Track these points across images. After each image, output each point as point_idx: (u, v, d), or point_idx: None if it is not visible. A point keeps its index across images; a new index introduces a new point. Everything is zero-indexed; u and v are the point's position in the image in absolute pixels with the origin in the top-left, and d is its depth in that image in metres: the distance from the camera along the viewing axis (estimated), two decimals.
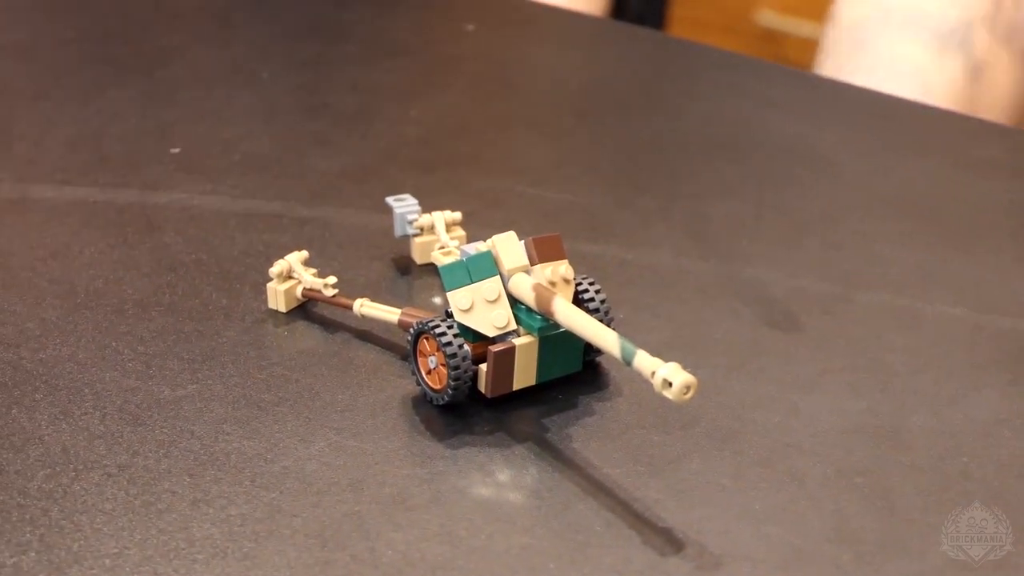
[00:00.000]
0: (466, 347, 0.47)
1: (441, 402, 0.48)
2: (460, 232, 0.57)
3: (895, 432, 0.48)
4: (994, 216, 0.63)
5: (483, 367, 0.48)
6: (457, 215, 0.57)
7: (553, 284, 0.48)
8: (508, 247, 0.49)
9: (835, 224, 0.62)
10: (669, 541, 0.43)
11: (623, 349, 0.44)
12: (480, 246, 0.49)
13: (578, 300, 0.50)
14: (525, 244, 0.49)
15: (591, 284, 0.50)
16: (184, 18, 0.83)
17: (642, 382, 0.50)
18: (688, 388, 0.42)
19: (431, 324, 0.48)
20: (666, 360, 0.43)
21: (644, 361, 0.44)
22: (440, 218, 0.57)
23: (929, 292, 0.56)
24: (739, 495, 0.45)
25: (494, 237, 0.49)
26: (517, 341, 0.48)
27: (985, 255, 0.59)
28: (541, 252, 0.49)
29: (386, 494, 0.45)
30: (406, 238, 0.57)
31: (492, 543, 0.43)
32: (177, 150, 0.66)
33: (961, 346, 0.53)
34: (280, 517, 0.44)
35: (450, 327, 0.48)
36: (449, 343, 0.47)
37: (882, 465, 0.47)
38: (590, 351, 0.50)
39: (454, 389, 0.47)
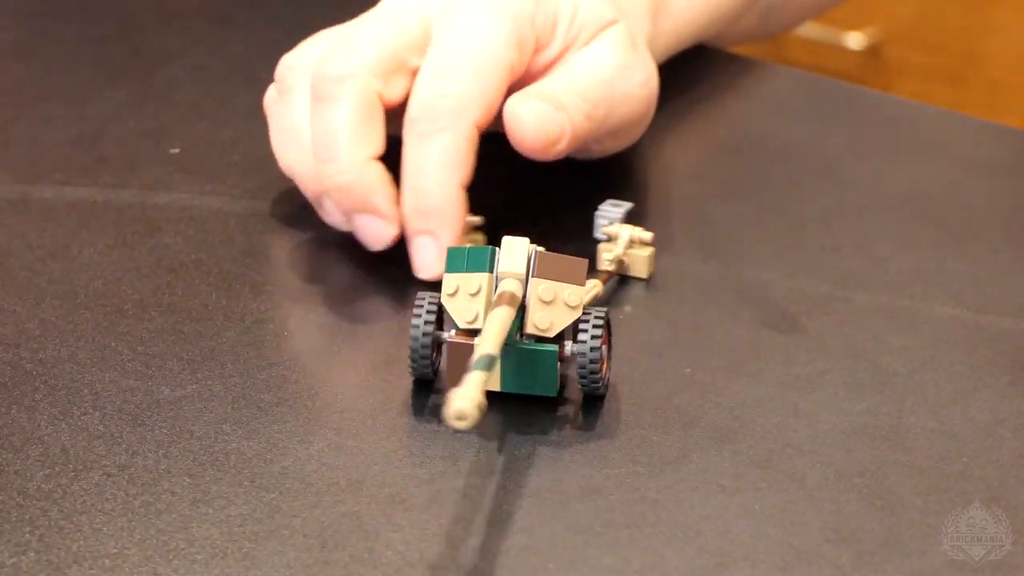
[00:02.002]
0: (430, 327, 0.48)
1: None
2: (648, 251, 0.56)
3: (895, 432, 0.48)
4: (994, 216, 0.63)
5: None
6: (647, 235, 0.56)
7: (546, 303, 0.48)
8: (511, 250, 0.48)
9: (834, 225, 0.62)
10: (669, 541, 0.43)
11: (478, 359, 0.44)
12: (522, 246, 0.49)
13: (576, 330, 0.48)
14: (535, 254, 0.48)
15: (597, 325, 0.48)
16: (183, 18, 0.83)
17: (641, 383, 0.50)
18: (461, 417, 0.41)
19: (419, 296, 0.48)
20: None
21: (471, 380, 0.43)
22: (627, 232, 0.56)
23: (928, 293, 0.56)
24: (738, 495, 0.45)
25: (506, 238, 0.49)
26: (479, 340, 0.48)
27: (985, 255, 0.59)
28: (544, 267, 0.48)
29: (385, 494, 0.45)
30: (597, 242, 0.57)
31: (491, 543, 0.43)
32: (177, 150, 0.66)
33: (960, 346, 0.53)
34: (279, 517, 0.44)
35: (431, 304, 0.48)
36: (416, 316, 0.48)
37: (882, 465, 0.47)
38: (592, 383, 0.49)
39: (411, 364, 0.48)
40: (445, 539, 0.43)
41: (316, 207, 0.58)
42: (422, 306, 0.48)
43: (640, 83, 0.59)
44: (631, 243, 0.56)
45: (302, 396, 0.49)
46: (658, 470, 0.46)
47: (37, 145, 0.67)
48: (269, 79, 0.60)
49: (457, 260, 0.48)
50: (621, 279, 0.56)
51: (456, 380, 0.47)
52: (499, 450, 0.47)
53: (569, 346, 0.48)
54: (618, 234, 0.56)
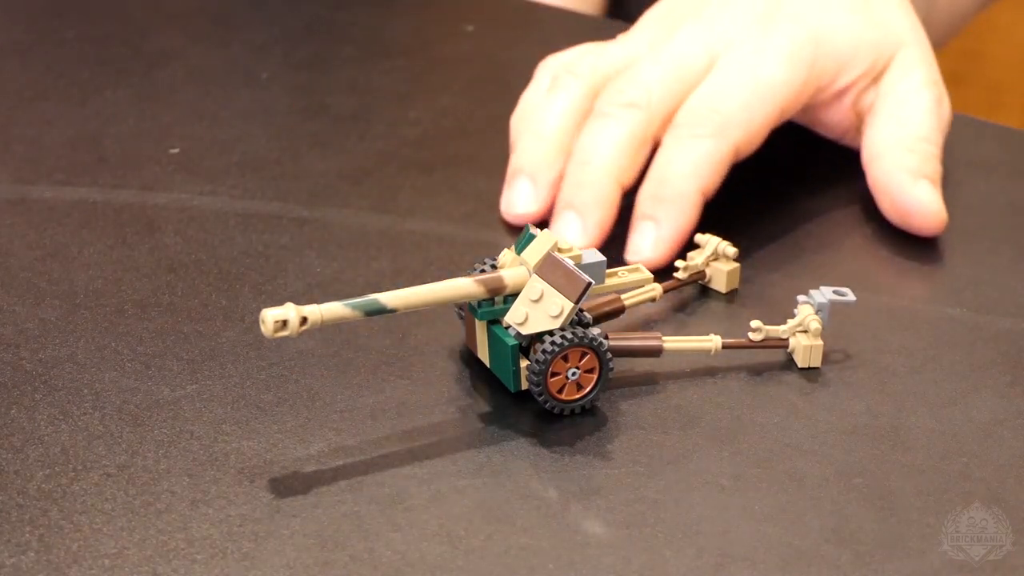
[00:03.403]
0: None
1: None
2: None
3: (895, 432, 0.48)
4: (994, 216, 0.63)
5: None
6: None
7: (533, 301, 0.48)
8: (537, 243, 0.48)
9: (834, 224, 0.62)
10: (669, 541, 0.43)
11: (361, 299, 0.46)
12: (595, 254, 0.50)
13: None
14: (546, 254, 0.48)
15: (553, 349, 0.47)
16: (182, 19, 0.83)
17: (641, 383, 0.50)
18: (262, 319, 0.45)
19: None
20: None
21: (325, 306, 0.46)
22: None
23: (928, 292, 0.56)
24: (739, 495, 0.45)
25: (544, 231, 0.48)
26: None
27: (984, 255, 0.59)
28: (545, 269, 0.47)
29: (385, 494, 0.45)
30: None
31: (491, 543, 0.43)
32: (176, 150, 0.66)
33: (960, 346, 0.53)
34: (279, 517, 0.44)
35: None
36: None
37: (882, 465, 0.47)
38: (541, 399, 0.48)
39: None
40: (444, 539, 0.43)
41: (512, 176, 0.60)
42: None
43: (948, 114, 0.65)
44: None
45: (301, 397, 0.49)
46: (658, 470, 0.46)
47: (37, 145, 0.67)
48: (269, 79, 0.60)
49: (522, 240, 0.49)
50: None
51: (469, 340, 0.50)
52: (499, 451, 0.47)
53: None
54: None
